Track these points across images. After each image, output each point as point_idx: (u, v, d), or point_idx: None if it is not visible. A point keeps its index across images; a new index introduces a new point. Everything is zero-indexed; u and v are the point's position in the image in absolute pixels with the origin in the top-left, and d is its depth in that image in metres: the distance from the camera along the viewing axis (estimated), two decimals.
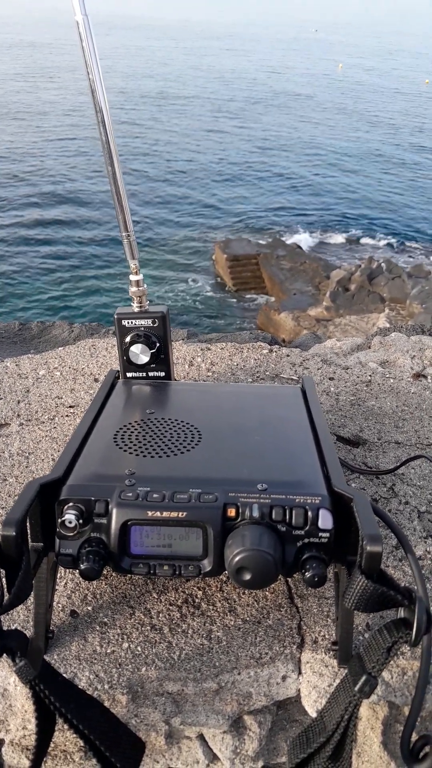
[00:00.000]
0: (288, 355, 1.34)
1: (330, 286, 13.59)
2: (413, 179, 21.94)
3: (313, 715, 0.71)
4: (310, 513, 0.66)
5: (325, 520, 0.66)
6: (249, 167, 22.55)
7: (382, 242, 17.06)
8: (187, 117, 29.58)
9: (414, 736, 0.62)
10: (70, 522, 0.65)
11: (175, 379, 1.07)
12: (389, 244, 16.90)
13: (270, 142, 25.98)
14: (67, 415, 1.12)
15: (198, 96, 35.69)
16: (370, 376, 1.27)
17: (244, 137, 26.45)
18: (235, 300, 14.35)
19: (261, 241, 16.18)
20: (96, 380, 1.23)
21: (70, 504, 0.66)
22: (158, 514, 0.66)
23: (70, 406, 1.14)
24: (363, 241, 17.17)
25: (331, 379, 1.26)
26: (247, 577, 0.63)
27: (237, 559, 0.62)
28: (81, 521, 0.66)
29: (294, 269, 14.79)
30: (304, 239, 16.82)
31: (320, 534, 0.66)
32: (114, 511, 0.66)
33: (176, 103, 32.99)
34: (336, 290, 13.39)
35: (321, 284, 14.04)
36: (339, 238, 17.24)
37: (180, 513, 0.66)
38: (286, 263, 15.02)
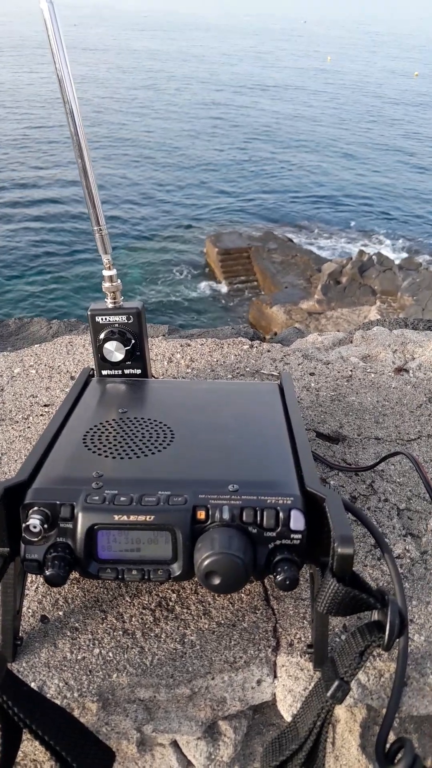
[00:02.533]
0: (269, 351, 1.32)
1: (321, 279, 13.57)
2: (403, 171, 21.91)
3: (289, 720, 0.70)
4: (281, 514, 0.64)
5: (297, 521, 0.64)
6: (239, 159, 22.46)
7: (374, 235, 17.03)
8: (176, 108, 29.40)
9: (392, 737, 0.61)
10: (34, 527, 0.63)
11: (153, 377, 1.05)
12: (381, 237, 16.88)
13: (260, 133, 25.87)
14: (41, 415, 1.09)
15: (187, 87, 35.47)
16: (351, 370, 1.25)
17: (234, 129, 26.33)
18: (226, 293, 14.30)
19: (252, 234, 16.13)
20: (72, 378, 1.21)
21: (35, 508, 0.65)
22: (125, 518, 0.64)
23: (45, 405, 1.12)
24: (354, 233, 17.13)
25: (311, 374, 1.24)
26: (217, 581, 0.61)
27: (206, 563, 0.61)
28: (46, 526, 0.64)
29: (285, 262, 14.76)
30: (295, 233, 16.78)
31: (292, 535, 0.64)
32: (80, 516, 0.64)
33: (165, 94, 32.78)
34: (327, 283, 13.37)
35: (312, 277, 14.02)
36: (330, 230, 17.20)
37: (148, 516, 0.64)
38: (278, 256, 14.98)
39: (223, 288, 14.46)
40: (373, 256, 14.26)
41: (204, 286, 14.56)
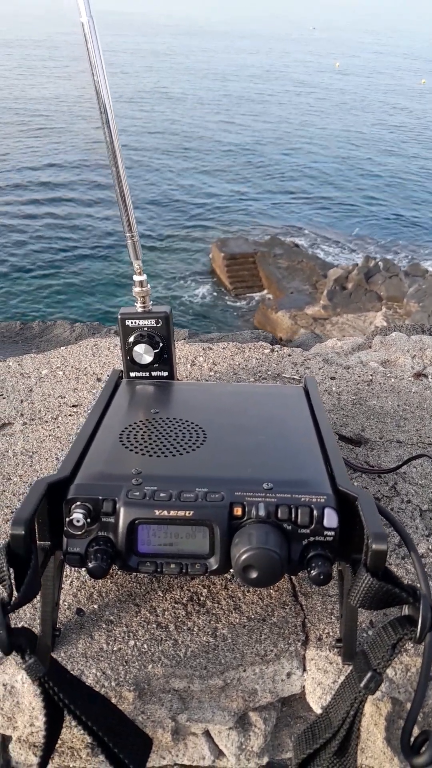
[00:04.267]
0: (289, 355, 1.34)
1: (327, 285, 13.59)
2: (411, 177, 21.95)
3: (318, 711, 0.72)
4: (315, 512, 0.66)
5: (331, 518, 0.66)
6: (245, 164, 22.54)
7: (380, 240, 17.06)
8: (181, 114, 29.52)
9: (417, 731, 0.63)
10: (77, 521, 0.66)
11: (178, 379, 1.08)
12: (387, 243, 16.90)
13: (267, 139, 25.96)
14: (70, 415, 1.12)
15: (194, 93, 35.62)
16: (371, 375, 1.28)
17: (241, 134, 26.42)
18: (232, 299, 14.34)
19: (258, 239, 16.17)
20: (99, 380, 1.23)
21: (78, 503, 0.67)
22: (165, 512, 0.66)
23: (73, 406, 1.15)
24: (361, 238, 17.16)
25: (332, 378, 1.26)
26: (254, 575, 0.63)
27: (244, 557, 0.63)
28: (89, 520, 0.66)
29: (291, 268, 14.78)
30: (301, 238, 16.82)
31: (326, 532, 0.66)
32: (122, 510, 0.66)
33: (171, 99, 32.92)
34: (333, 289, 13.40)
35: (318, 283, 14.04)
36: (336, 236, 17.23)
37: (187, 512, 0.66)
38: (284, 262, 15.01)
39: (229, 293, 14.49)
40: (379, 262, 14.28)
41: (209, 291, 14.60)
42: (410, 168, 23.02)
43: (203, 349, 1.34)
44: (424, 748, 0.61)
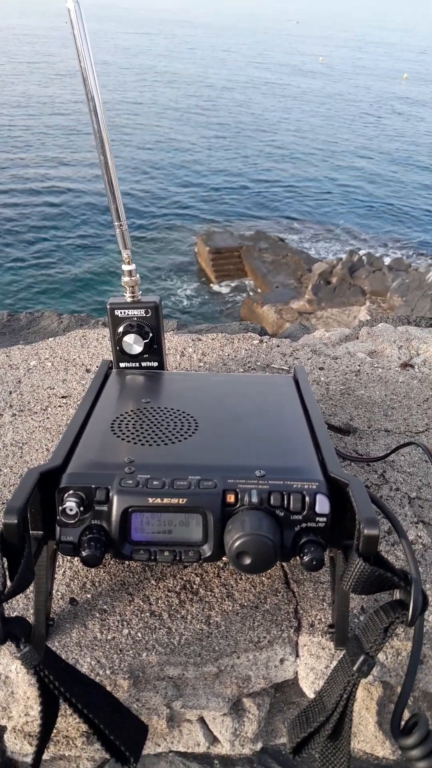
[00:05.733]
0: (278, 346, 1.35)
1: (312, 279, 13.63)
2: (394, 171, 22.05)
3: (311, 696, 0.73)
4: (307, 498, 0.67)
5: (323, 505, 0.67)
6: (230, 158, 22.49)
7: (364, 235, 17.12)
8: (162, 106, 29.34)
9: (407, 715, 0.64)
10: (71, 510, 0.66)
11: (168, 370, 1.08)
12: (371, 237, 16.98)
13: (250, 133, 25.91)
14: (59, 406, 1.12)
15: (175, 85, 35.41)
16: (359, 365, 1.29)
17: (224, 127, 26.35)
18: (217, 293, 14.33)
19: (244, 233, 16.15)
20: (88, 371, 1.23)
21: (71, 492, 0.67)
22: (159, 500, 0.66)
23: (63, 397, 1.14)
24: (345, 233, 17.22)
25: (321, 368, 1.27)
26: (248, 561, 0.64)
27: (237, 543, 0.63)
28: (82, 509, 0.66)
29: (276, 262, 14.80)
30: (286, 232, 16.84)
31: (318, 519, 0.67)
32: (115, 499, 0.66)
33: (153, 91, 32.70)
34: (318, 283, 13.43)
35: (303, 277, 14.07)
36: (321, 230, 17.27)
37: (180, 499, 0.67)
38: (269, 256, 15.02)
39: (215, 287, 14.48)
40: (363, 257, 14.34)
41: (195, 285, 14.57)
42: (394, 161, 23.12)
43: (192, 340, 1.34)
44: (413, 731, 0.62)
